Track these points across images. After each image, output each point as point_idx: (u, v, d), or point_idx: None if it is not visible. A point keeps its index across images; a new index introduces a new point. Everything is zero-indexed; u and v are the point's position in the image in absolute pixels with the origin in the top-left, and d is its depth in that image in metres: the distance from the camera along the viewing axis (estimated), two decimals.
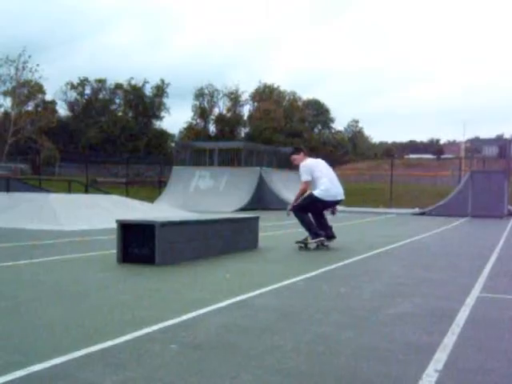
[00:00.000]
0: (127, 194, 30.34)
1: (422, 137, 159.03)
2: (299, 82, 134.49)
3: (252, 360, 3.36)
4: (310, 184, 10.35)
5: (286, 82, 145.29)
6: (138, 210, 16.72)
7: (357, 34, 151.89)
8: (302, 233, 10.43)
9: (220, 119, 75.08)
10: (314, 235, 10.03)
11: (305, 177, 10.24)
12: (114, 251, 7.72)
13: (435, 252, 10.24)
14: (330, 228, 10.40)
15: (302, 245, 9.98)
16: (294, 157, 10.73)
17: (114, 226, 7.73)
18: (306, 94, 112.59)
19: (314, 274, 6.99)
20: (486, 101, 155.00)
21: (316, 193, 10.12)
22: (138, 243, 7.54)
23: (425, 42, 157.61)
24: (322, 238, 10.04)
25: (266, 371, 3.16)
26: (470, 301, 5.43)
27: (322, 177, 10.21)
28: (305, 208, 10.16)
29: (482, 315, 4.89)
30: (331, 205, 10.54)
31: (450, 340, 3.91)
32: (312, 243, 9.99)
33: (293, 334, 4.00)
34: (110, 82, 71.29)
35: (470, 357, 3.58)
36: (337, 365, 3.32)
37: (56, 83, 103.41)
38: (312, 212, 10.25)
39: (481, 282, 6.66)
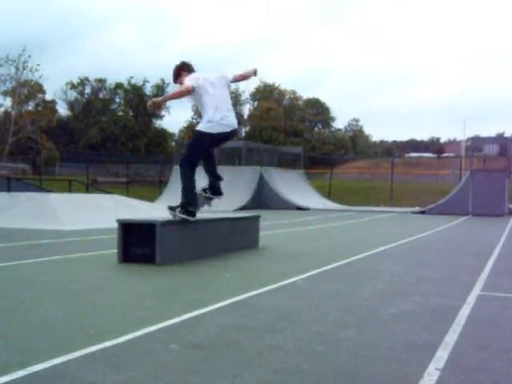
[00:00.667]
0: (128, 194, 30.32)
1: (423, 135, 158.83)
2: (300, 81, 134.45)
3: (253, 359, 3.36)
4: (195, 96, 7.96)
5: (286, 81, 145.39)
6: (138, 210, 16.72)
7: (357, 33, 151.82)
8: (301, 232, 10.47)
9: None
10: (185, 210, 7.85)
11: (188, 81, 7.84)
12: (115, 251, 7.71)
13: (436, 250, 10.24)
14: (218, 179, 8.66)
15: (173, 211, 7.96)
16: (181, 80, 8.08)
17: (115, 225, 7.73)
18: (306, 93, 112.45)
19: (314, 272, 6.99)
20: (487, 99, 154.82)
21: (201, 127, 7.90)
22: (138, 243, 7.54)
23: (425, 41, 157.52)
24: (190, 218, 7.88)
25: (267, 370, 3.16)
26: (471, 299, 5.43)
27: (209, 101, 7.81)
28: (193, 157, 8.03)
29: (483, 314, 4.89)
30: (221, 139, 8.17)
31: (451, 338, 3.91)
32: (177, 214, 7.86)
33: (293, 333, 4.00)
34: (110, 82, 71.36)
35: (471, 355, 3.57)
36: (338, 364, 3.32)
37: (56, 83, 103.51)
38: (202, 156, 8.18)
39: (482, 280, 6.66)
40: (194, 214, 7.90)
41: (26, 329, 4.01)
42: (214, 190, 8.65)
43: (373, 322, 4.44)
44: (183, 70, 8.15)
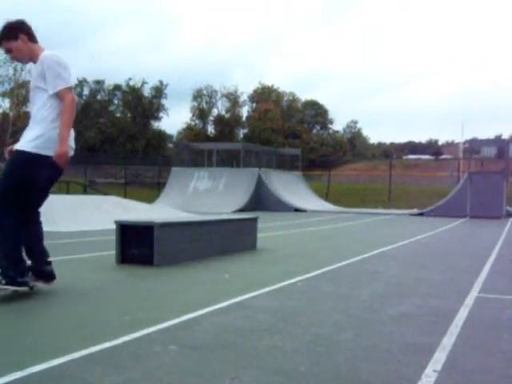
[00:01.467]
0: (125, 195, 30.31)
1: (421, 137, 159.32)
2: (298, 82, 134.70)
3: (251, 360, 3.36)
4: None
5: (285, 83, 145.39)
6: (136, 211, 16.72)
7: (356, 35, 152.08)
8: (299, 234, 10.45)
9: (219, 120, 75.07)
10: (10, 278, 4.98)
11: (66, 78, 5.17)
12: (113, 252, 7.71)
13: (434, 252, 10.24)
14: (46, 256, 5.45)
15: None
16: (14, 45, 5.21)
17: (113, 226, 7.73)
18: (305, 95, 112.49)
19: (313, 274, 6.99)
20: (485, 101, 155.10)
21: (30, 146, 5.02)
22: (137, 244, 7.54)
23: (423, 43, 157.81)
24: (25, 288, 5.13)
25: (266, 372, 3.16)
26: (469, 301, 5.44)
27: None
28: (10, 192, 5.03)
29: (481, 315, 4.89)
30: (56, 172, 5.26)
31: (448, 340, 3.91)
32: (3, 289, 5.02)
33: (292, 334, 4.00)
34: (109, 83, 71.30)
35: (468, 357, 3.58)
36: (336, 365, 3.32)
37: None
38: (23, 200, 5.25)
39: (479, 282, 6.67)
40: (26, 284, 5.14)
41: (24, 330, 4.01)
42: (42, 273, 5.38)
43: (371, 323, 4.44)
44: (22, 32, 5.24)
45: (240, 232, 9.61)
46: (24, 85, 56.86)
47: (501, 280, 7.04)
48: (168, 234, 7.62)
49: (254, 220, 10.33)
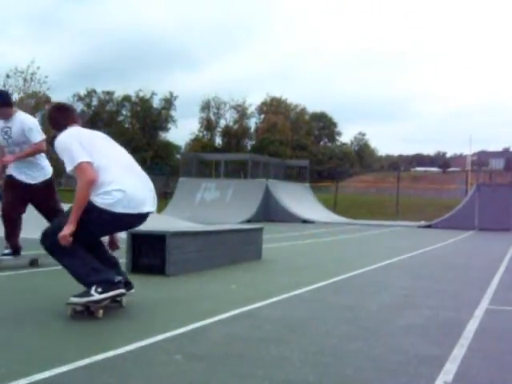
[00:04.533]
0: None
1: (429, 150, 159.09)
2: (307, 94, 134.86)
3: (258, 371, 3.31)
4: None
5: (293, 95, 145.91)
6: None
7: (364, 51, 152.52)
8: (307, 245, 10.39)
9: (226, 131, 75.20)
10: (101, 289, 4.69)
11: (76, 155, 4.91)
12: (123, 261, 7.64)
13: (443, 264, 10.17)
14: (117, 265, 5.22)
15: (82, 307, 4.71)
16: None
17: (121, 235, 7.67)
18: (313, 107, 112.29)
19: (320, 285, 6.93)
20: (493, 114, 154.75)
21: (100, 201, 4.64)
22: (147, 253, 7.49)
23: (430, 55, 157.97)
24: (117, 292, 4.78)
25: (273, 382, 3.11)
26: (479, 313, 5.37)
27: (110, 165, 4.79)
28: (75, 237, 4.62)
29: (491, 327, 4.83)
30: (133, 223, 5.16)
31: (459, 352, 3.85)
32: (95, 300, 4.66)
33: (299, 345, 3.94)
34: (118, 94, 71.58)
35: (479, 369, 3.52)
36: (344, 376, 3.26)
37: (64, 94, 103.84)
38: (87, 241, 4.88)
39: (489, 293, 6.60)
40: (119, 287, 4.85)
41: (28, 338, 3.97)
42: None
43: (380, 334, 4.39)
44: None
45: (245, 242, 9.56)
46: (33, 95, 57.22)
47: (511, 292, 6.96)
48: (179, 243, 7.58)
49: (260, 230, 10.27)
